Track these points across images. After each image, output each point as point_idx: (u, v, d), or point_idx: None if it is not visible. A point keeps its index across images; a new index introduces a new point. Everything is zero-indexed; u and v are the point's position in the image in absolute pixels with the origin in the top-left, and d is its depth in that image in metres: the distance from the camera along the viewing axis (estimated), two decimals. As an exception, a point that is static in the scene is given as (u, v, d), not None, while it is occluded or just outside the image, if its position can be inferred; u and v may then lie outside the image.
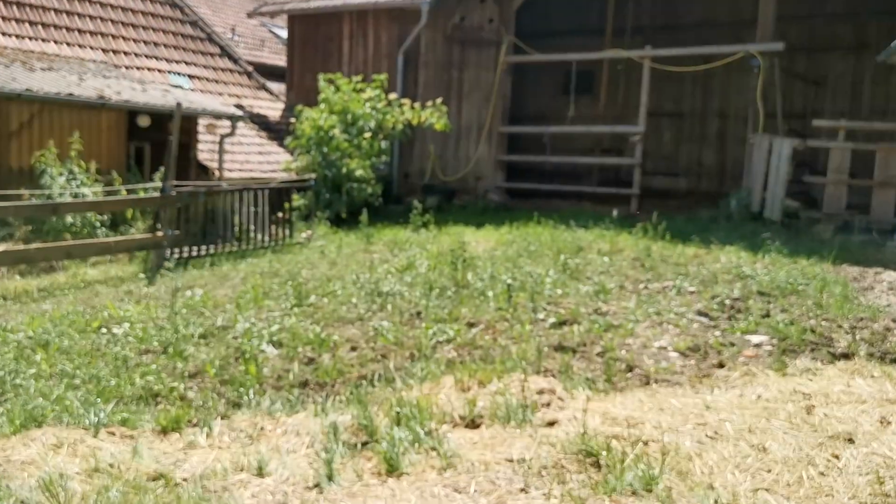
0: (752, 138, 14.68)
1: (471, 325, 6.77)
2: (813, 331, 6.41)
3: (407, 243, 11.81)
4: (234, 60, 18.95)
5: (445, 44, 17.28)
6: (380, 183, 14.67)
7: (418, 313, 7.18)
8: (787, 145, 12.98)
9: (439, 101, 15.24)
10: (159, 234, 10.10)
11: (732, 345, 6.05)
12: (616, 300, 7.80)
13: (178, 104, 10.44)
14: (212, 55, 18.50)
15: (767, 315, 7.14)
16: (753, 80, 14.95)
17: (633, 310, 7.25)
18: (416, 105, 15.16)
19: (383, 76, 15.23)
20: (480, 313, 7.13)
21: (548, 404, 4.46)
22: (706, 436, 3.99)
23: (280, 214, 13.69)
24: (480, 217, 15.21)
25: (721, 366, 5.47)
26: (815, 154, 15.96)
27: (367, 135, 14.40)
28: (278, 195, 13.60)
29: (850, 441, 3.87)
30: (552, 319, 6.82)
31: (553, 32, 19.34)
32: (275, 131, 17.46)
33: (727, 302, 7.72)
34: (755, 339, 6.19)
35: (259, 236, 12.30)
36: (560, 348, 5.93)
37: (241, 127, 16.83)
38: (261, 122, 17.75)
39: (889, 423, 4.11)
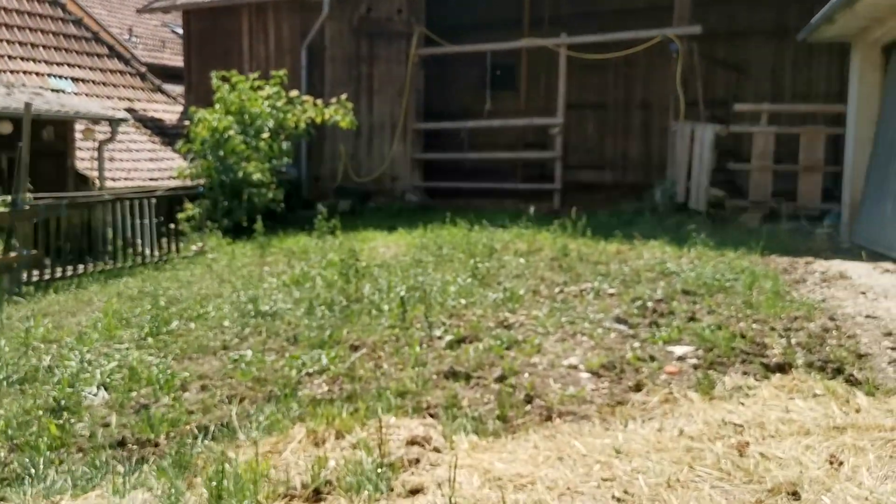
0: (674, 126, 14.05)
1: (354, 348, 5.76)
2: (743, 336, 5.59)
3: (307, 252, 10.72)
4: (125, 61, 17.51)
5: (352, 36, 16.22)
6: (282, 187, 13.51)
7: (296, 337, 6.13)
8: (709, 131, 12.34)
9: (344, 96, 14.15)
10: (12, 254, 8.79)
11: (653, 359, 5.17)
12: (527, 309, 6.88)
13: (27, 105, 9.13)
14: (99, 56, 17.02)
15: (693, 318, 6.32)
16: (673, 67, 14.33)
17: (544, 319, 6.34)
18: (319, 102, 14.03)
19: (282, 72, 14.08)
20: (368, 333, 6.12)
21: (417, 461, 3.47)
22: (613, 497, 3.06)
23: (173, 226, 12.53)
24: (394, 220, 14.22)
25: (639, 388, 4.58)
26: (739, 141, 15.47)
27: (266, 135, 13.22)
28: (170, 205, 12.38)
29: (795, 496, 2.99)
30: (449, 337, 5.85)
31: (470, 26, 18.41)
32: (171, 136, 16.11)
33: (649, 304, 6.88)
34: (679, 349, 5.33)
35: (146, 251, 11.07)
36: (451, 375, 4.96)
37: (132, 132, 15.47)
38: (155, 126, 16.39)
39: (840, 463, 3.25)
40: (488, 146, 17.85)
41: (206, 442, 4.00)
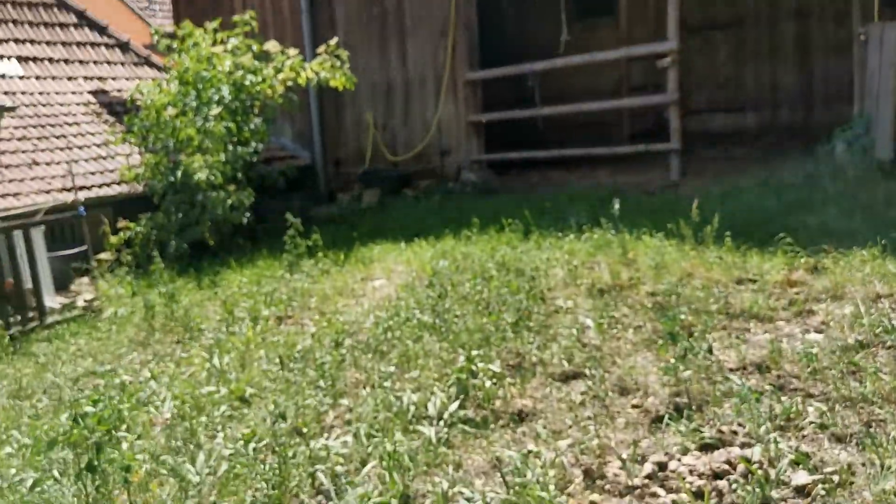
0: (865, 32, 8.51)
1: None
2: None
3: (236, 305, 6.34)
4: (100, 30, 13.67)
5: (368, -41, 11.54)
6: (248, 188, 9.05)
7: None
8: (941, 32, 6.88)
9: (334, 42, 9.50)
10: None
11: None
12: None
13: None
14: (63, 26, 13.26)
15: None
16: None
17: None
18: (293, 52, 9.44)
19: (248, 14, 9.62)
20: None
21: None
22: None
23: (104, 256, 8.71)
24: (428, 219, 9.57)
25: None
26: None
27: (216, 111, 8.81)
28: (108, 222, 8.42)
29: None
30: None
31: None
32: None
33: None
34: None
35: (29, 304, 7.16)
36: None
37: (85, 122, 11.61)
38: (128, 110, 12.46)
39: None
40: (579, 96, 12.63)
41: None
